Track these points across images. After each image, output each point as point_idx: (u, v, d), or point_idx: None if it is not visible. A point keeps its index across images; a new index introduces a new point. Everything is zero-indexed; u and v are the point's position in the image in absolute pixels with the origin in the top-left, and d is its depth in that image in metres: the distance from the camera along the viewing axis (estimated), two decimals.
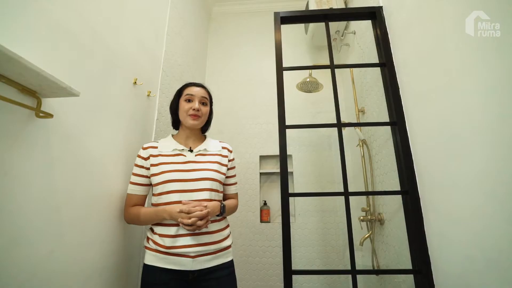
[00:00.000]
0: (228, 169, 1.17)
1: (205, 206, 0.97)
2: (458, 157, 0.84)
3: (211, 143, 1.18)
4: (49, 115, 0.72)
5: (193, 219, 0.92)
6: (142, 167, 1.06)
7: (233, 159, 1.22)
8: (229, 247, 1.08)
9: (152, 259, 0.98)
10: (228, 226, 1.13)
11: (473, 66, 0.78)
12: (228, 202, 1.15)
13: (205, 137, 1.21)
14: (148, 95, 1.38)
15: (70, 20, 0.84)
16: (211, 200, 1.04)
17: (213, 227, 1.03)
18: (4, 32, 0.63)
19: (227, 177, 1.17)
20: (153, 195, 1.05)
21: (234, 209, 1.20)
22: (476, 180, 0.77)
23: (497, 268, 0.70)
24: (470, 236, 0.80)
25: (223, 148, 1.19)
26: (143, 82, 1.31)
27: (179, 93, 1.17)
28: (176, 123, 1.21)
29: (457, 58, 0.84)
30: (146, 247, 1.01)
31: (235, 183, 1.24)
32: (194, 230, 0.94)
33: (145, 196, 1.09)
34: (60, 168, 0.80)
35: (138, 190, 1.05)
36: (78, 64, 0.88)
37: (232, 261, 1.08)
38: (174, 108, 1.18)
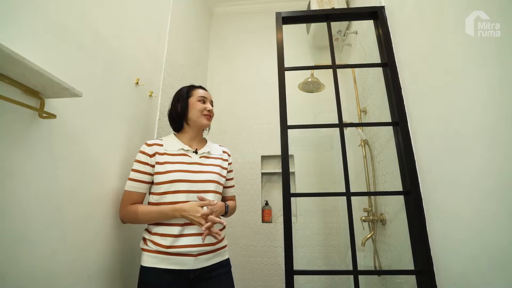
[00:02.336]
0: (228, 172, 1.21)
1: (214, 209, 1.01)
2: (459, 157, 0.83)
3: (213, 147, 1.21)
4: (52, 116, 0.73)
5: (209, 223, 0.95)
6: (146, 164, 1.03)
7: (231, 163, 1.26)
8: (225, 246, 1.13)
9: (152, 260, 0.96)
10: (224, 227, 1.14)
11: (474, 66, 0.77)
12: (231, 204, 1.19)
13: (205, 140, 1.24)
14: (150, 96, 1.39)
15: (72, 21, 0.85)
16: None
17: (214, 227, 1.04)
18: (7, 33, 0.63)
19: (226, 179, 1.21)
20: (153, 194, 1.04)
21: (234, 210, 1.25)
22: (478, 180, 0.77)
23: (500, 267, 0.70)
24: (472, 236, 0.79)
25: (224, 152, 1.23)
26: (145, 83, 1.32)
27: (187, 94, 1.17)
28: (179, 126, 1.19)
29: (458, 58, 0.84)
30: (144, 249, 0.99)
31: (234, 186, 1.29)
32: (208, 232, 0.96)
33: (145, 194, 1.06)
34: (62, 168, 0.80)
35: (139, 188, 1.02)
36: (80, 64, 0.89)
37: (228, 259, 1.12)
38: (182, 109, 1.15)
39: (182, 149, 1.10)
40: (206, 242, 1.00)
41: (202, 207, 0.97)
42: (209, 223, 0.93)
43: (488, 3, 0.74)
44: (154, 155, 1.05)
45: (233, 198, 1.28)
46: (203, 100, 1.16)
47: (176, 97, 1.21)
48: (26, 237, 0.68)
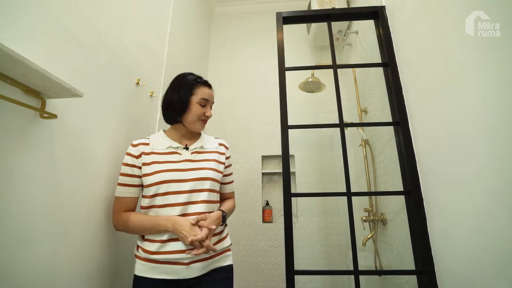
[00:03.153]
0: (225, 167, 1.09)
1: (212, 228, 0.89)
2: (461, 157, 0.83)
3: (207, 140, 1.09)
4: (53, 116, 0.73)
5: (203, 249, 0.85)
6: (133, 166, 0.95)
7: (229, 156, 1.14)
8: (228, 250, 1.01)
9: (142, 269, 0.88)
10: (226, 225, 1.05)
11: (474, 66, 0.77)
12: (227, 206, 1.08)
13: (200, 134, 1.11)
14: (151, 96, 1.39)
15: (74, 22, 0.85)
16: (209, 201, 0.96)
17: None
18: (8, 33, 0.64)
19: (224, 175, 1.09)
20: (144, 197, 0.95)
21: (233, 210, 1.13)
22: (478, 179, 0.76)
23: (501, 267, 0.70)
24: (473, 235, 0.79)
25: (220, 145, 1.11)
26: (145, 83, 1.32)
27: (190, 89, 1.02)
28: (173, 119, 1.04)
29: (458, 58, 0.83)
30: (136, 256, 0.92)
31: (232, 182, 1.17)
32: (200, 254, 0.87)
33: (137, 199, 0.98)
34: (64, 168, 0.81)
35: (129, 192, 0.95)
36: (81, 65, 0.89)
37: (231, 266, 1.00)
38: (180, 105, 1.01)
39: (171, 146, 1.00)
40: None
41: (200, 227, 0.88)
42: (201, 250, 0.84)
43: (488, 3, 0.74)
44: (140, 156, 0.96)
45: (231, 196, 1.17)
46: (205, 103, 1.03)
47: (178, 84, 1.05)
48: (27, 236, 0.68)
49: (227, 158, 1.11)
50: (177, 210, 0.91)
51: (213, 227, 0.88)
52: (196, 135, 1.10)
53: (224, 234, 1.02)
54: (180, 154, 1.00)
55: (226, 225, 1.05)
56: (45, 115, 0.72)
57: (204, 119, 1.04)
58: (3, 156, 0.62)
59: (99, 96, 0.98)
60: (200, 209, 0.93)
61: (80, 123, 0.88)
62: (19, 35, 0.66)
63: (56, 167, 0.78)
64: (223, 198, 1.14)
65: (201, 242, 0.84)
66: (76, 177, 0.86)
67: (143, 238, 0.93)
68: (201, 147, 1.05)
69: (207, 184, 0.96)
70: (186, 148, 1.02)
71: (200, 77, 1.06)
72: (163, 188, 0.92)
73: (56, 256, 0.76)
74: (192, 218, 0.88)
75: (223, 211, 0.99)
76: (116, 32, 1.10)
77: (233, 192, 1.18)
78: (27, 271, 0.67)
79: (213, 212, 0.96)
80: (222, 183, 1.09)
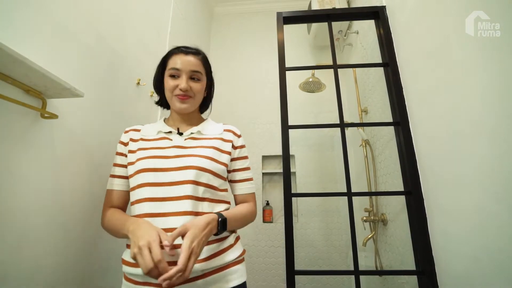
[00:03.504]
0: (233, 159, 0.86)
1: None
2: (461, 157, 0.83)
3: (210, 125, 0.90)
4: (54, 116, 0.73)
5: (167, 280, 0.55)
6: (122, 154, 0.82)
7: (242, 146, 0.90)
8: (237, 262, 0.77)
9: None
10: (233, 231, 0.85)
11: (474, 66, 0.77)
12: (235, 209, 0.82)
13: (203, 120, 0.94)
14: (151, 96, 1.39)
15: (74, 22, 0.86)
16: (198, 198, 0.72)
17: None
18: (9, 34, 0.64)
19: (233, 170, 0.87)
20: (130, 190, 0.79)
21: (247, 218, 0.85)
22: (479, 179, 0.76)
23: (501, 267, 0.70)
24: (474, 235, 0.79)
25: (226, 130, 0.89)
26: (146, 83, 1.32)
27: (163, 63, 0.87)
28: (160, 101, 0.94)
29: (458, 58, 0.83)
30: (124, 273, 0.73)
31: (249, 179, 0.89)
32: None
33: (126, 192, 0.80)
34: (64, 168, 0.81)
35: (116, 184, 0.80)
36: (82, 65, 0.89)
37: (244, 285, 0.76)
38: (158, 83, 0.89)
39: (161, 131, 0.84)
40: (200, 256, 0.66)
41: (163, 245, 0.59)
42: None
43: (488, 3, 0.74)
44: (127, 143, 0.83)
45: (248, 199, 0.88)
46: (175, 74, 0.81)
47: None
48: (28, 236, 0.68)
49: (236, 147, 0.88)
50: (149, 206, 0.70)
51: (179, 246, 0.61)
52: (198, 121, 0.91)
53: (226, 244, 0.77)
54: (170, 139, 0.82)
55: (233, 231, 0.85)
56: (46, 115, 0.72)
57: (179, 94, 0.81)
58: (4, 155, 0.63)
59: (100, 96, 0.98)
60: (185, 207, 0.69)
61: (81, 123, 0.88)
62: (20, 35, 0.67)
63: (57, 166, 0.78)
64: (237, 202, 0.89)
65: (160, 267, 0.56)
66: (77, 177, 0.86)
67: (127, 246, 0.74)
68: (199, 132, 0.85)
69: (191, 175, 0.72)
70: (180, 133, 0.84)
71: (179, 47, 0.87)
72: (140, 179, 0.73)
73: (57, 256, 0.76)
74: (164, 240, 0.59)
75: (220, 215, 0.71)
76: (116, 32, 1.10)
77: (251, 195, 0.89)
78: (27, 271, 0.67)
79: (206, 214, 0.69)
80: (232, 181, 0.89)
